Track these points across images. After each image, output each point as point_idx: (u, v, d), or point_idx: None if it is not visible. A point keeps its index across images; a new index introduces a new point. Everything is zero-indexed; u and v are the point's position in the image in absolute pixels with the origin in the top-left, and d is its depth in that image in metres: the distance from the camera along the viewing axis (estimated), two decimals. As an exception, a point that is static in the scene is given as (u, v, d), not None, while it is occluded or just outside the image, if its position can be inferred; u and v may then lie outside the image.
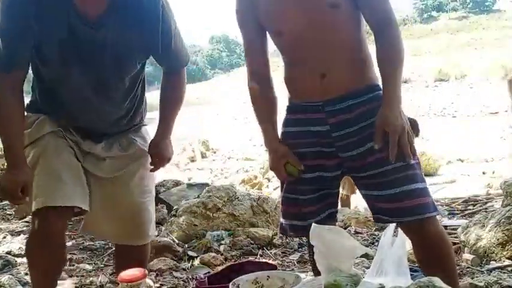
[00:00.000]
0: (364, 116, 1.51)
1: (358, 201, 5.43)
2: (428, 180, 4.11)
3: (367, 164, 1.51)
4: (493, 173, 5.97)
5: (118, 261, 1.97)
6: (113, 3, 1.48)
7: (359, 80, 1.55)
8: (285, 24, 1.52)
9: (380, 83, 1.55)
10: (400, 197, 1.49)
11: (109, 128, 1.74)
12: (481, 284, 2.00)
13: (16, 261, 2.77)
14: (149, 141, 1.81)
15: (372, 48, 1.55)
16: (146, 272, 1.21)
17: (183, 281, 2.55)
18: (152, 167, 1.78)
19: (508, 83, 5.52)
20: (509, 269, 2.34)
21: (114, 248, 3.19)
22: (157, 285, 2.54)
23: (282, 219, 1.72)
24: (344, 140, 1.53)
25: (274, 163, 1.62)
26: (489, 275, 2.25)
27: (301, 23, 1.48)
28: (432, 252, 1.54)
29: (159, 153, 1.77)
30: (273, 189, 7.42)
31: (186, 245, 3.11)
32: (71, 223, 4.02)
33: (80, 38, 1.49)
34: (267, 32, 1.61)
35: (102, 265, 2.94)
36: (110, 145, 1.74)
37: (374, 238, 3.37)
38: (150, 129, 1.92)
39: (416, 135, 1.52)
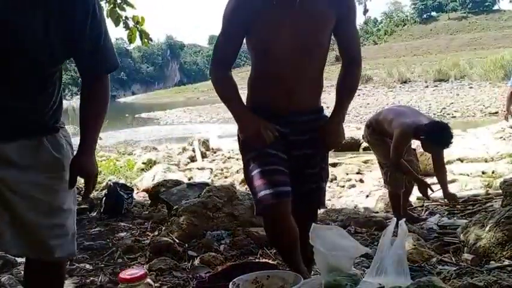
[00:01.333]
0: (315, 129, 1.93)
1: (358, 201, 5.43)
2: (428, 180, 4.12)
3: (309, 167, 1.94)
4: (493, 173, 5.96)
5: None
6: None
7: (316, 103, 1.99)
8: (277, 46, 1.77)
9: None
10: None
11: (13, 120, 1.46)
12: (481, 284, 2.00)
13: (16, 260, 2.77)
14: (67, 149, 1.60)
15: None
16: (146, 271, 1.21)
17: (183, 280, 2.55)
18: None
19: (509, 95, 5.53)
20: (509, 269, 2.34)
21: (114, 248, 3.21)
22: (157, 285, 2.54)
23: (265, 191, 1.79)
24: (297, 144, 1.91)
25: (253, 130, 1.81)
26: (489, 274, 2.25)
27: (292, 50, 1.76)
28: None
29: (81, 171, 1.56)
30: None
31: (186, 245, 3.11)
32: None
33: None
34: (250, 43, 1.84)
35: (102, 265, 2.94)
36: (18, 147, 1.48)
37: (374, 238, 3.37)
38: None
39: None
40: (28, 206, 1.49)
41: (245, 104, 1.91)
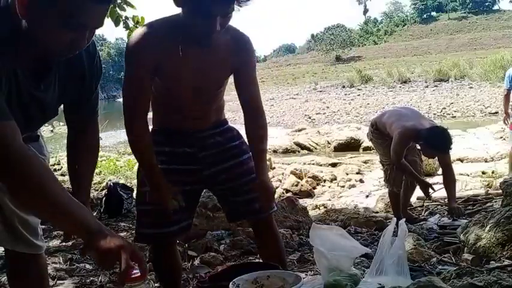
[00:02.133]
0: (221, 143, 1.92)
1: (358, 201, 5.44)
2: (429, 180, 4.12)
3: (225, 179, 1.90)
4: (493, 173, 5.97)
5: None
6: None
7: (219, 118, 1.97)
8: (180, 88, 1.78)
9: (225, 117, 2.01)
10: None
11: None
12: (481, 284, 2.00)
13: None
14: (47, 150, 1.68)
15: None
16: (147, 271, 1.21)
17: (183, 280, 2.55)
18: None
19: (504, 98, 5.54)
20: (509, 269, 2.34)
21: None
22: (157, 284, 2.53)
23: (149, 230, 1.89)
24: (207, 160, 1.89)
25: (161, 198, 1.77)
26: (489, 275, 2.25)
27: (194, 91, 1.77)
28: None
29: None
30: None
31: (186, 245, 3.11)
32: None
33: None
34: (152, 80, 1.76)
35: (102, 265, 2.94)
36: None
37: (374, 238, 3.38)
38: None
39: None
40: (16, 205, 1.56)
41: (151, 125, 1.91)
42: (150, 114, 1.89)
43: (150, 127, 1.88)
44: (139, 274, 1.18)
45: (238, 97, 1.87)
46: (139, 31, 1.68)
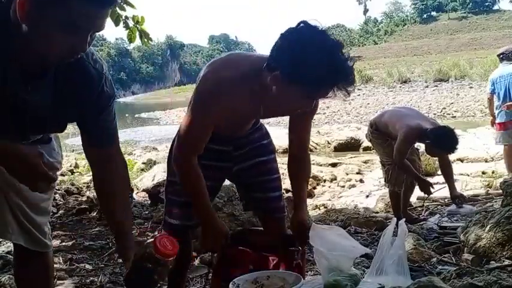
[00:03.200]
0: (254, 140, 1.96)
1: (358, 201, 5.43)
2: (429, 179, 4.13)
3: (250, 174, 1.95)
4: (493, 173, 5.97)
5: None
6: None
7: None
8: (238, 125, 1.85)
9: None
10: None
11: None
12: (481, 284, 2.00)
13: (16, 261, 2.77)
14: (58, 151, 1.64)
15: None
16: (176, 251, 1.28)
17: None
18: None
19: (488, 102, 5.57)
20: (509, 269, 2.34)
21: (114, 248, 3.21)
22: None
23: (175, 221, 1.92)
24: (240, 158, 1.93)
25: (216, 243, 1.79)
26: (489, 274, 2.25)
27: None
28: None
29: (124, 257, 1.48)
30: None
31: (186, 245, 3.11)
32: (71, 223, 4.02)
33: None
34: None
35: (102, 265, 2.94)
36: None
37: (374, 238, 3.37)
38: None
39: None
40: (29, 205, 1.58)
41: None
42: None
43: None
44: (171, 249, 1.22)
45: (289, 132, 1.88)
46: (220, 85, 1.58)
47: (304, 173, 1.93)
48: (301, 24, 1.45)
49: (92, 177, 1.61)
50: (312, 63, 1.39)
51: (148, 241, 1.25)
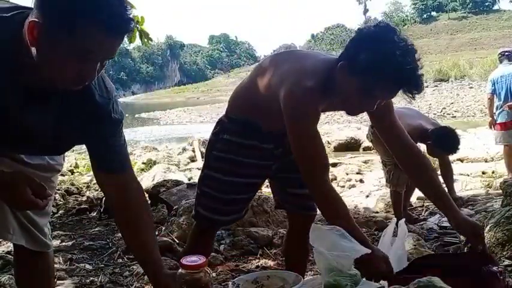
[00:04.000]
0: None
1: (358, 201, 5.43)
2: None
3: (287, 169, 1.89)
4: (493, 173, 5.96)
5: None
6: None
7: None
8: None
9: None
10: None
11: None
12: (481, 284, 2.00)
13: (16, 261, 2.77)
14: (60, 157, 1.62)
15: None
16: (207, 259, 1.22)
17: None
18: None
19: (488, 102, 5.55)
20: (509, 269, 2.34)
21: (114, 248, 3.21)
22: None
23: (207, 213, 1.89)
24: (281, 154, 1.88)
25: (378, 269, 1.48)
26: (489, 275, 2.25)
27: None
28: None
29: None
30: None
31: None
32: (71, 223, 4.02)
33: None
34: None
35: (102, 265, 2.94)
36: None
37: (374, 238, 3.37)
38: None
39: None
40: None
41: (234, 113, 1.87)
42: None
43: (223, 113, 1.90)
44: (198, 262, 1.20)
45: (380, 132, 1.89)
46: (310, 88, 1.55)
47: (428, 166, 1.79)
48: (381, 24, 1.47)
49: (97, 185, 1.62)
50: (390, 58, 1.39)
51: (178, 271, 1.22)
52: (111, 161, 1.37)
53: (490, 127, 5.61)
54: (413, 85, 1.45)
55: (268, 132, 1.82)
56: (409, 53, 1.43)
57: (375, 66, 1.41)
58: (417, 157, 1.81)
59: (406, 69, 1.40)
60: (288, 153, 1.80)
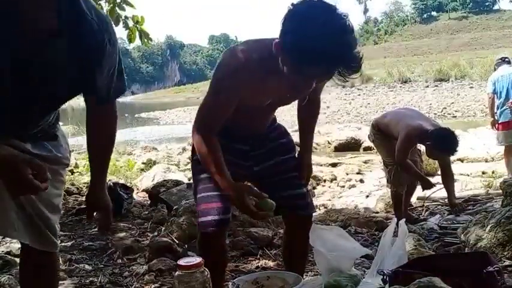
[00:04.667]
0: (274, 138, 1.98)
1: (358, 201, 5.43)
2: (429, 179, 4.12)
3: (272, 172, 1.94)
4: (493, 173, 5.96)
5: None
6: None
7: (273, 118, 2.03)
8: (258, 105, 1.77)
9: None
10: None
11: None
12: (482, 284, 1.99)
13: (16, 261, 2.77)
14: (65, 148, 1.62)
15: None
16: (202, 260, 1.23)
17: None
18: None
19: (490, 102, 5.54)
20: (509, 269, 2.34)
21: (113, 248, 3.20)
22: (157, 285, 2.53)
23: (207, 218, 1.78)
24: (258, 158, 1.93)
25: (243, 203, 1.66)
26: (489, 275, 2.24)
27: (268, 108, 1.83)
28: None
29: (98, 206, 1.67)
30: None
31: (186, 245, 3.11)
32: (71, 223, 4.02)
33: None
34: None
35: (101, 265, 2.93)
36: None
37: (374, 238, 3.37)
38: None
39: None
40: (41, 200, 1.54)
41: None
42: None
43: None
44: (194, 262, 1.20)
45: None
46: (237, 61, 1.61)
47: (314, 114, 2.05)
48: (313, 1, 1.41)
49: None
50: (314, 37, 1.33)
51: (176, 273, 1.23)
52: (89, 88, 1.41)
53: (493, 127, 5.60)
54: (345, 65, 1.39)
55: (244, 133, 1.86)
56: (338, 31, 1.35)
57: (299, 45, 1.37)
58: (312, 102, 1.96)
59: (333, 48, 1.34)
60: (268, 157, 1.92)
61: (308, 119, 2.07)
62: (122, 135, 15.60)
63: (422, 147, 3.97)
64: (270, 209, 1.66)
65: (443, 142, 3.53)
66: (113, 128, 1.58)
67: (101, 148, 1.60)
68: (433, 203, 4.48)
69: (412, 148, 3.76)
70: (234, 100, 1.67)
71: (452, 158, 4.30)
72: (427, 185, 3.80)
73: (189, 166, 8.31)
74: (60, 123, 1.65)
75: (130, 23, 4.30)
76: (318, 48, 1.34)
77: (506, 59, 5.41)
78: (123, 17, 4.24)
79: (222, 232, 1.87)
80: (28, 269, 1.70)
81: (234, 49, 1.70)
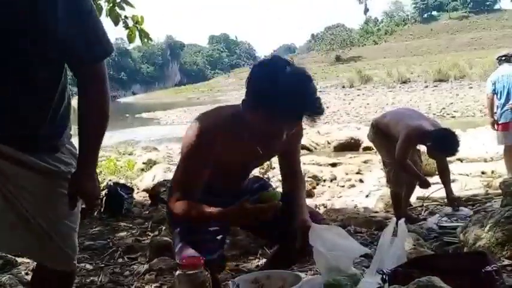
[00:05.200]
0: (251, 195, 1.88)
1: (358, 201, 5.44)
2: (429, 180, 4.13)
3: None
4: (492, 172, 5.97)
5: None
6: None
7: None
8: (233, 166, 1.76)
9: None
10: None
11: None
12: (481, 284, 2.00)
13: (16, 261, 2.77)
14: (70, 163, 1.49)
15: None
16: (203, 260, 1.23)
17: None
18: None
19: (489, 103, 5.53)
20: (509, 269, 2.34)
21: (114, 248, 3.21)
22: (157, 284, 2.54)
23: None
24: None
25: (244, 210, 1.61)
26: (488, 274, 2.25)
27: (244, 169, 1.87)
28: None
29: (79, 190, 1.44)
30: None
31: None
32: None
33: None
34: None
35: (102, 265, 2.94)
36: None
37: (373, 238, 3.38)
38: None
39: None
40: (45, 210, 1.46)
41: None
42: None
43: None
44: (195, 262, 1.21)
45: (278, 159, 1.97)
46: (205, 127, 1.66)
47: (299, 187, 1.92)
48: (273, 57, 1.57)
49: None
50: (281, 92, 1.44)
51: (177, 272, 1.24)
52: (75, 42, 1.29)
53: (493, 127, 5.58)
54: (309, 109, 1.51)
55: (224, 189, 1.81)
56: (304, 80, 1.50)
57: (266, 97, 1.47)
58: (293, 176, 1.97)
59: (296, 95, 1.46)
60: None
61: (293, 192, 1.91)
62: (122, 135, 15.61)
63: (422, 148, 3.98)
64: (274, 196, 1.63)
65: (443, 143, 3.53)
66: (102, 95, 1.41)
67: (89, 121, 1.42)
68: (433, 203, 4.49)
69: (412, 148, 3.76)
70: (205, 162, 1.67)
71: (451, 158, 4.32)
72: (425, 185, 3.81)
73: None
74: (72, 140, 1.54)
75: (130, 23, 4.30)
76: (287, 102, 1.45)
77: (506, 57, 5.36)
78: (122, 17, 4.24)
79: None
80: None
81: (199, 116, 1.78)
